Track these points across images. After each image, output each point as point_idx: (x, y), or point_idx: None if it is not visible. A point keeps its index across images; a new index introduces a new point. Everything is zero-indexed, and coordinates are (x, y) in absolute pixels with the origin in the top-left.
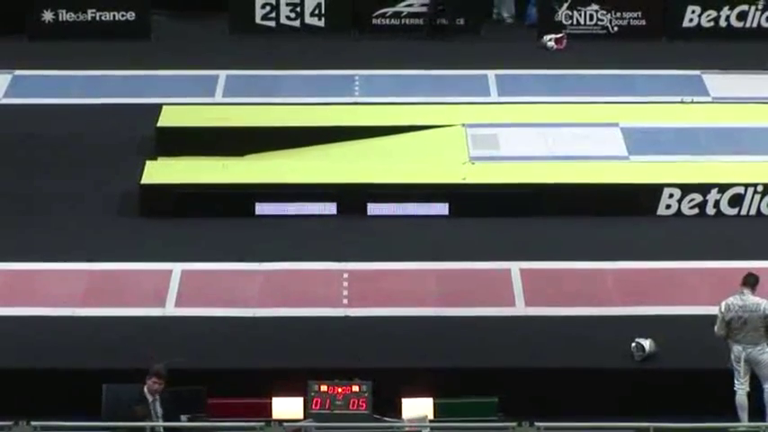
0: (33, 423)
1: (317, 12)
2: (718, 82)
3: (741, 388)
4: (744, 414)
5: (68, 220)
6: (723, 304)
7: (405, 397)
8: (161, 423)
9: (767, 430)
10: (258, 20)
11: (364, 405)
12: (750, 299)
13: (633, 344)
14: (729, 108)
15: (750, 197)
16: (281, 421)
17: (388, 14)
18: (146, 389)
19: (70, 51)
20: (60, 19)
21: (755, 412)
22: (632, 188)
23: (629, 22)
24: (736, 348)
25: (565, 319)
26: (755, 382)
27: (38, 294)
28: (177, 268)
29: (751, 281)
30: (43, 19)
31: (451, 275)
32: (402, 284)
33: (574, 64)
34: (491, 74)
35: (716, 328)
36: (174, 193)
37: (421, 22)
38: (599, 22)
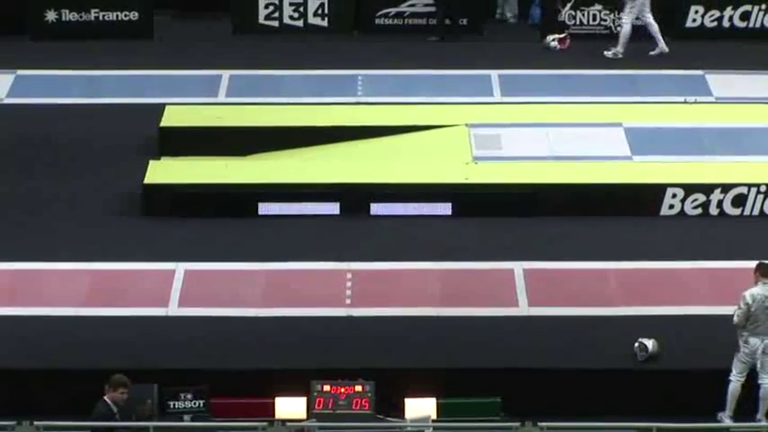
0: (36, 423)
1: (320, 12)
2: (722, 82)
3: (738, 380)
4: (733, 403)
5: (71, 219)
6: (748, 295)
7: (408, 397)
8: (166, 423)
9: None
10: (261, 20)
11: (367, 405)
12: None
13: (636, 344)
14: (733, 108)
15: (753, 197)
16: (284, 421)
17: (391, 14)
18: (109, 400)
19: (73, 51)
20: (63, 19)
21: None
22: (635, 188)
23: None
24: (753, 341)
25: (568, 319)
26: (751, 378)
27: (40, 294)
28: (180, 268)
29: (764, 268)
30: (46, 19)
31: (454, 275)
32: (405, 284)
33: (577, 64)
34: (494, 74)
35: (736, 318)
36: (176, 193)
37: (424, 22)
38: (602, 23)
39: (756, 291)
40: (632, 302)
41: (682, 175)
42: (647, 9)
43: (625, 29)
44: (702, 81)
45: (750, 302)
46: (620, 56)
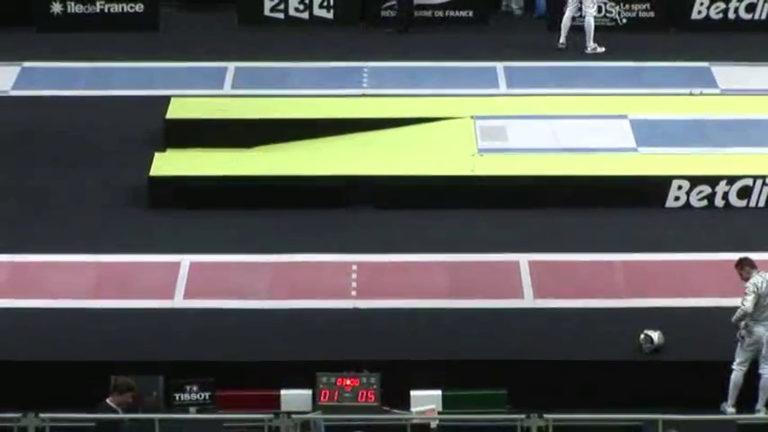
0: (42, 415)
1: (325, 4)
2: (727, 74)
3: (741, 369)
4: (735, 393)
5: (77, 212)
6: (752, 284)
7: (413, 389)
8: (172, 415)
9: None
10: (267, 12)
11: (373, 397)
12: None
13: (642, 336)
14: (738, 100)
15: (759, 189)
16: (289, 413)
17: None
18: (114, 404)
19: (79, 43)
20: (69, 10)
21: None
22: (641, 180)
23: (637, 14)
24: (758, 330)
25: (573, 311)
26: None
27: (47, 287)
28: (186, 260)
29: (752, 261)
30: (52, 11)
31: (460, 267)
32: (411, 277)
33: (582, 56)
34: (500, 66)
35: (748, 305)
36: (182, 185)
37: (429, 14)
38: (608, 14)
39: (757, 279)
40: (638, 294)
41: (687, 166)
42: (588, 4)
43: (565, 21)
44: (708, 73)
45: (756, 289)
46: (564, 47)
